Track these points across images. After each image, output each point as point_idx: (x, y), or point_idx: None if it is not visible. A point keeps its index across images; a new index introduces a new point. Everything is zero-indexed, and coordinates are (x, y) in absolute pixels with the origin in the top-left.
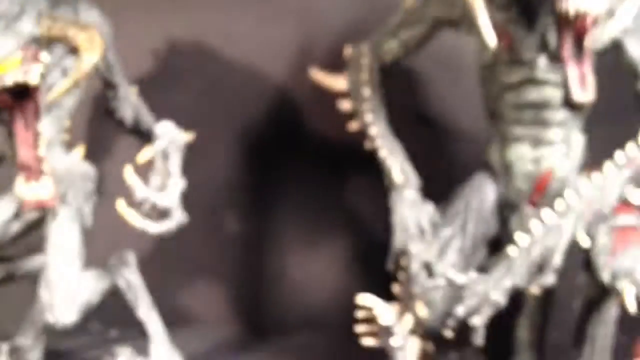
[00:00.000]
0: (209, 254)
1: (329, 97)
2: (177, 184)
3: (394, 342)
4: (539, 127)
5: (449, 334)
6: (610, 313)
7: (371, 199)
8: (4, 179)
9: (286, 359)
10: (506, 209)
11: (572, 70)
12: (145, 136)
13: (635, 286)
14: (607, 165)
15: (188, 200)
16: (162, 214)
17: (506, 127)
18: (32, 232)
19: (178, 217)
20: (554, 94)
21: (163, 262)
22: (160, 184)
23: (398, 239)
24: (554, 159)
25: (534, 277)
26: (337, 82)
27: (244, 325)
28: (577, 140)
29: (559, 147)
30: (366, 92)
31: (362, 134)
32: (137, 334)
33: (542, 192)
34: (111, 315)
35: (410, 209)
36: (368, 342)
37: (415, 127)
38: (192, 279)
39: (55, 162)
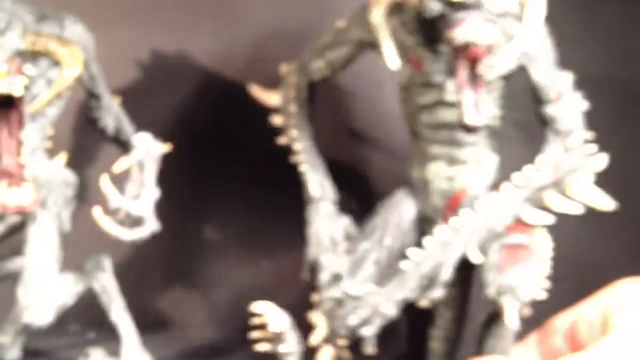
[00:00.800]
0: (186, 259)
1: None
2: (152, 193)
3: (282, 348)
4: (453, 147)
5: (343, 343)
6: (507, 328)
7: None
8: None
9: None
10: (424, 224)
11: (467, 96)
12: (125, 145)
13: (517, 301)
14: (504, 185)
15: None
16: (135, 221)
17: (424, 146)
18: (15, 235)
19: (151, 225)
20: None
21: (142, 266)
22: (135, 193)
23: (311, 250)
24: (467, 178)
25: (424, 290)
26: (271, 98)
27: (222, 329)
28: (491, 160)
29: (472, 167)
30: (292, 108)
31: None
32: (114, 336)
33: (454, 210)
34: (90, 317)
35: (324, 222)
36: (262, 347)
37: (346, 143)
38: (170, 284)
39: (37, 168)
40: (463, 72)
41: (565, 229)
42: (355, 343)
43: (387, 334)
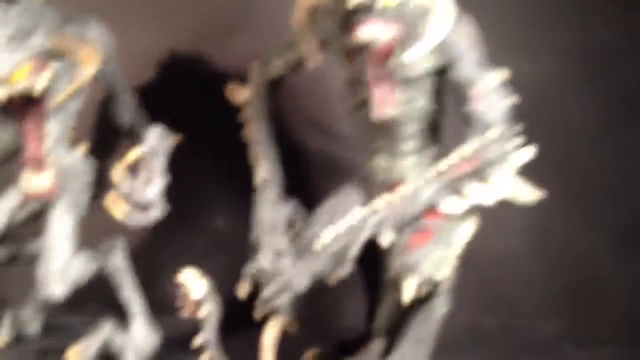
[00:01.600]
0: (196, 246)
1: None
2: (160, 180)
3: (200, 313)
4: (391, 140)
5: (257, 315)
6: (435, 311)
7: None
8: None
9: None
10: None
11: (375, 91)
12: (140, 137)
13: (418, 277)
14: (420, 174)
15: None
16: (144, 207)
17: (368, 139)
18: (37, 219)
19: (159, 210)
20: (400, 111)
21: (155, 252)
22: (145, 180)
23: (255, 232)
24: (405, 169)
25: (333, 267)
26: (238, 95)
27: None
28: (430, 152)
29: (411, 158)
30: (253, 103)
31: None
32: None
33: None
34: (107, 299)
35: (268, 207)
36: (184, 314)
37: (308, 135)
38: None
39: (58, 158)
40: (371, 70)
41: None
42: (304, 316)
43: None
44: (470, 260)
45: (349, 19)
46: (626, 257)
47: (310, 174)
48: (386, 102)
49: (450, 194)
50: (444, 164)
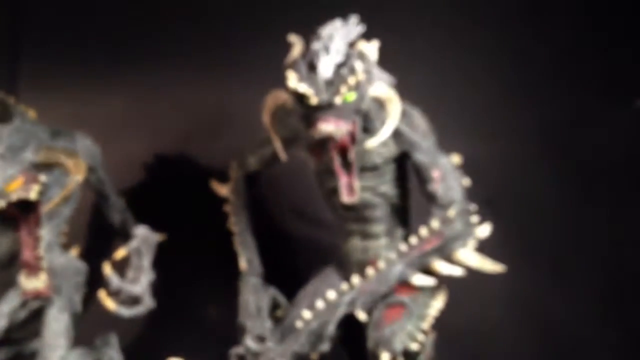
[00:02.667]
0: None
1: None
2: (147, 276)
3: None
4: (363, 224)
5: None
6: None
7: None
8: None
9: None
10: None
11: (342, 179)
12: (129, 236)
13: (390, 353)
14: (392, 254)
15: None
16: (134, 300)
17: (342, 223)
18: (37, 317)
19: (147, 303)
20: (368, 196)
21: (149, 344)
22: (133, 276)
23: (240, 317)
24: (379, 249)
25: (313, 345)
26: (221, 190)
27: None
28: (400, 233)
29: (383, 239)
30: (232, 198)
31: None
32: None
33: None
34: None
35: (251, 293)
36: None
37: (292, 223)
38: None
39: (53, 260)
40: (335, 160)
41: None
42: None
43: None
44: (448, 330)
45: (310, 116)
46: (603, 322)
47: (295, 259)
48: (352, 189)
49: (418, 269)
50: (410, 243)
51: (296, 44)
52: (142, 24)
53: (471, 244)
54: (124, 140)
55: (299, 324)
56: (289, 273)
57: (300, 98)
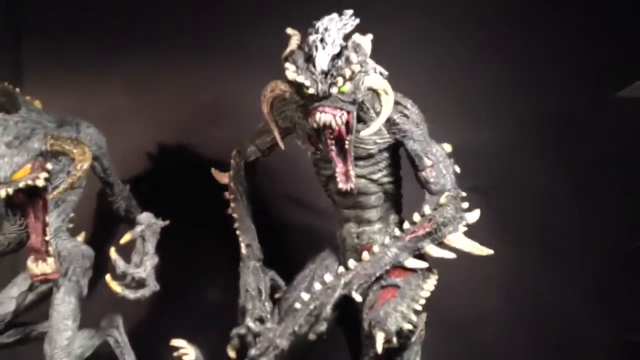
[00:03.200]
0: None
1: None
2: (152, 260)
3: None
4: (359, 210)
5: None
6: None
7: None
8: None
9: None
10: None
11: (338, 167)
12: (133, 222)
13: (384, 333)
14: (387, 238)
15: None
16: (138, 284)
17: (338, 209)
18: (45, 299)
19: (152, 287)
20: (363, 183)
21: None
22: (138, 260)
23: (241, 299)
24: (373, 234)
25: (311, 326)
26: (222, 178)
27: None
28: (393, 218)
29: (377, 225)
30: (231, 185)
31: None
32: None
33: None
34: None
35: (251, 276)
36: None
37: (288, 210)
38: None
39: (60, 245)
40: (333, 148)
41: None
42: None
43: None
44: (440, 311)
45: (307, 106)
46: (595, 306)
47: (291, 244)
48: (348, 177)
49: (411, 253)
50: (403, 228)
51: (293, 36)
52: (143, 16)
53: (462, 228)
54: (126, 129)
55: (297, 305)
56: (286, 257)
57: (298, 88)
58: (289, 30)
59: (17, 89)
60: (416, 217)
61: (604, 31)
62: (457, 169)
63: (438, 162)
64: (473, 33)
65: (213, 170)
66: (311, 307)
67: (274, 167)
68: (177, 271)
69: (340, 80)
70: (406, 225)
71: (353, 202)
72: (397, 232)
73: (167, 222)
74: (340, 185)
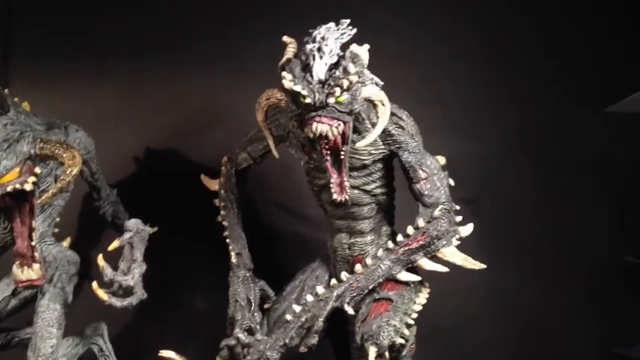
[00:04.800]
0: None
1: None
2: (140, 267)
3: None
4: (351, 220)
5: None
6: None
7: None
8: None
9: None
10: None
11: (333, 178)
12: (120, 228)
13: (377, 347)
14: (380, 251)
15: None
16: (126, 292)
17: (330, 219)
18: (28, 305)
19: (139, 295)
20: (356, 194)
21: (139, 333)
22: (125, 267)
23: (230, 308)
24: (365, 246)
25: (302, 338)
26: (211, 185)
27: None
28: (385, 229)
29: (369, 236)
30: (222, 193)
31: None
32: None
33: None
34: None
35: (241, 285)
36: None
37: (278, 218)
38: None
39: (45, 250)
40: (326, 159)
41: None
42: None
43: None
44: (429, 324)
45: (304, 115)
46: (581, 316)
47: (281, 253)
48: (343, 188)
49: (404, 266)
50: (397, 241)
51: (289, 44)
52: (134, 20)
53: (455, 242)
54: (114, 133)
55: (288, 317)
56: (275, 266)
57: (295, 98)
58: (285, 38)
59: (6, 90)
60: (410, 229)
61: (591, 46)
62: (452, 182)
63: (432, 175)
64: (463, 46)
65: (202, 177)
66: (303, 319)
67: (263, 174)
68: (164, 279)
69: (337, 90)
70: (399, 237)
71: (345, 213)
72: (390, 244)
73: (156, 228)
74: (335, 196)
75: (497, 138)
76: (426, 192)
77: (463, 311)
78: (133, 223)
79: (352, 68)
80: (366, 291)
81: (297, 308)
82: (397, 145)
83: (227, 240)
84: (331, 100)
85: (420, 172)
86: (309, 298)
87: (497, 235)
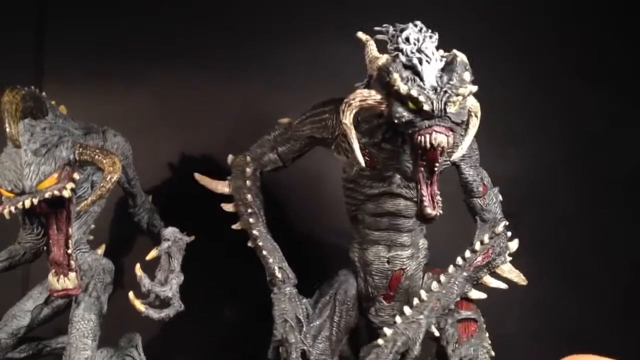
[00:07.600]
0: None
1: None
2: (177, 278)
3: None
4: (393, 233)
5: None
6: None
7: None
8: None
9: None
10: (364, 301)
11: (424, 191)
12: (156, 236)
13: None
14: (450, 267)
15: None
16: (163, 303)
17: (366, 231)
18: (61, 314)
19: (177, 306)
20: (406, 205)
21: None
22: (163, 278)
23: (278, 330)
24: (404, 260)
25: None
26: (219, 186)
27: None
28: (422, 244)
29: (408, 250)
30: (248, 197)
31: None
32: None
33: (395, 288)
34: None
35: (288, 303)
36: None
37: (293, 226)
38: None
39: (81, 258)
40: (422, 170)
41: None
42: None
43: None
44: None
45: (414, 124)
46: (624, 331)
47: (307, 261)
48: (434, 200)
49: (472, 283)
50: (465, 257)
51: (367, 42)
52: (172, 22)
53: (508, 258)
54: (150, 138)
55: (380, 342)
56: (303, 275)
57: (413, 104)
58: (360, 35)
59: (44, 93)
60: (477, 245)
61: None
62: (501, 197)
63: (490, 189)
64: (506, 52)
65: (197, 176)
66: (399, 343)
67: (293, 182)
68: (199, 289)
69: (458, 99)
70: (467, 254)
71: (388, 225)
72: (459, 261)
73: (193, 237)
74: (427, 210)
75: (540, 148)
76: (486, 207)
77: (503, 327)
78: (170, 232)
79: (467, 76)
80: (447, 311)
81: (388, 332)
82: (461, 157)
83: (264, 252)
84: (450, 109)
85: (481, 186)
86: (398, 320)
87: (536, 249)
